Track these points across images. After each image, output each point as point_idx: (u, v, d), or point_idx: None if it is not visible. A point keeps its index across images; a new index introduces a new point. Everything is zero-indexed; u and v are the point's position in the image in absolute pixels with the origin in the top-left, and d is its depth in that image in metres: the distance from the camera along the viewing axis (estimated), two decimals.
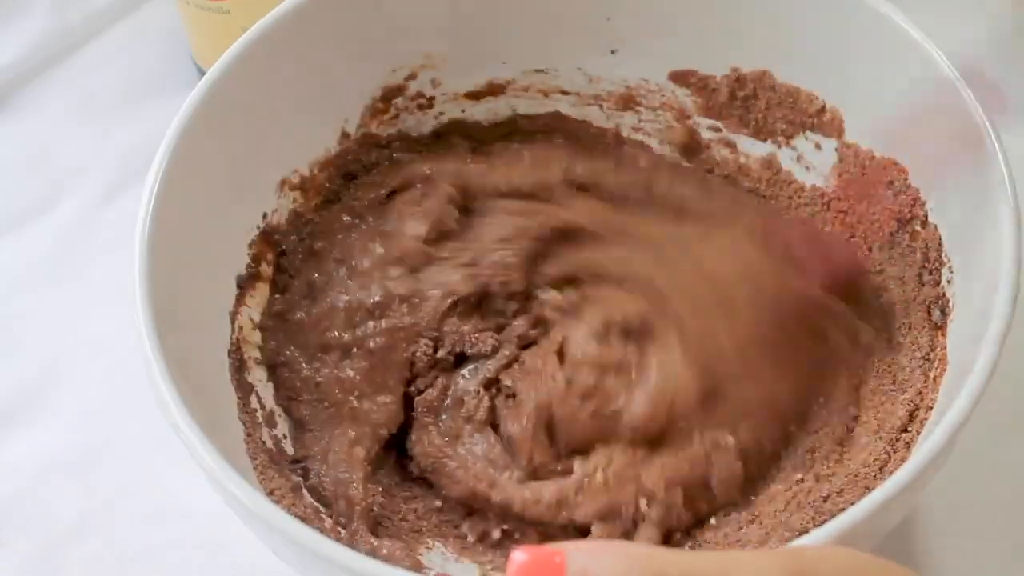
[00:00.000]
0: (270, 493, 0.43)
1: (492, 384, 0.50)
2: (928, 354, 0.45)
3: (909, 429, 0.44)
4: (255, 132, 0.49)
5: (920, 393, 0.44)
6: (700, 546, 0.45)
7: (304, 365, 0.50)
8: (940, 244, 0.46)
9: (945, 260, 0.45)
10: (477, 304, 0.51)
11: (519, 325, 0.51)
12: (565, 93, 0.56)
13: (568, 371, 0.49)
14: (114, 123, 0.66)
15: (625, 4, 0.53)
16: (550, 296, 0.51)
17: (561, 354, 0.49)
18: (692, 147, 0.56)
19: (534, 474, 0.48)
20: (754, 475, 0.47)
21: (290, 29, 0.49)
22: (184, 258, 0.45)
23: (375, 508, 0.47)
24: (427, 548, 0.47)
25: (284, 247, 0.52)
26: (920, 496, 0.41)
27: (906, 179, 0.48)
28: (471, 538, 0.48)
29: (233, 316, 0.48)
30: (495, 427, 0.49)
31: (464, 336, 0.51)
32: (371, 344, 0.50)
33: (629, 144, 0.56)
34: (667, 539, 0.45)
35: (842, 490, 0.44)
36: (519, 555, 0.29)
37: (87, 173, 0.64)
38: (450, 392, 0.50)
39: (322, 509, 0.46)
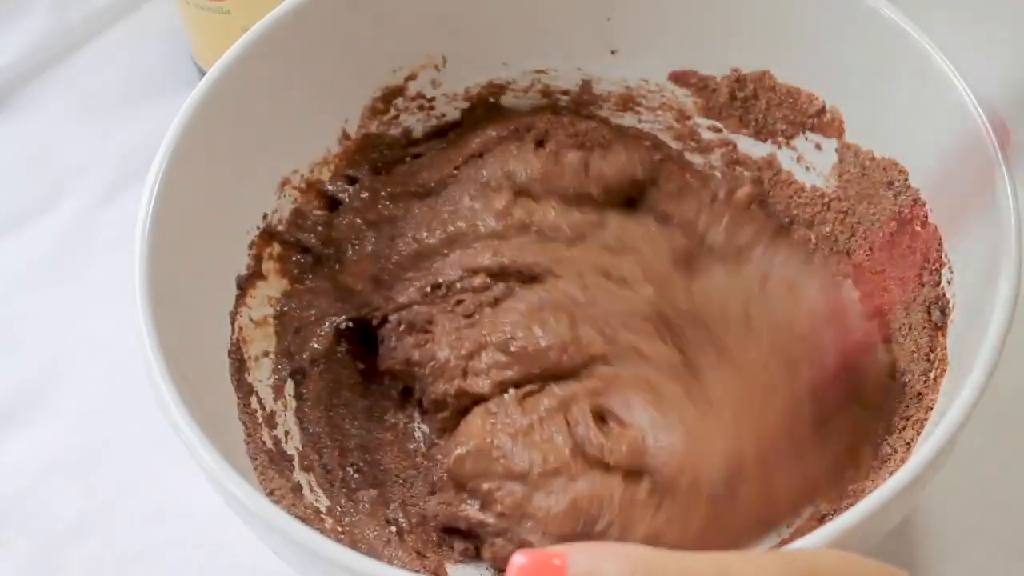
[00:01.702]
0: (270, 493, 0.43)
1: None
2: (928, 354, 0.45)
3: (909, 429, 0.44)
4: (255, 132, 0.49)
5: (920, 393, 0.44)
6: None
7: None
8: (940, 244, 0.46)
9: (945, 260, 0.45)
10: None
11: None
12: (565, 93, 0.56)
13: None
14: (114, 123, 0.66)
15: (625, 4, 0.53)
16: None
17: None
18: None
19: None
20: None
21: (290, 29, 0.49)
22: (184, 258, 0.45)
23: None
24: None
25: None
26: (920, 496, 0.41)
27: (906, 179, 0.48)
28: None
29: (233, 316, 0.48)
30: None
31: None
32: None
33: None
34: None
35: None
36: (519, 558, 0.29)
37: (87, 173, 0.64)
38: None
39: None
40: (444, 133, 0.57)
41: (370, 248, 0.54)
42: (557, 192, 0.55)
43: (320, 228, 0.53)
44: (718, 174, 0.56)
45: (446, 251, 0.53)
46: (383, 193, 0.55)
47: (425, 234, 0.54)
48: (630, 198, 0.56)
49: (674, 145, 0.56)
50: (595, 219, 0.54)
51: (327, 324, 0.52)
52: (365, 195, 0.54)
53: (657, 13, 0.53)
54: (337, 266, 0.53)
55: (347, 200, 0.54)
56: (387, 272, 0.53)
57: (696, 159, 0.56)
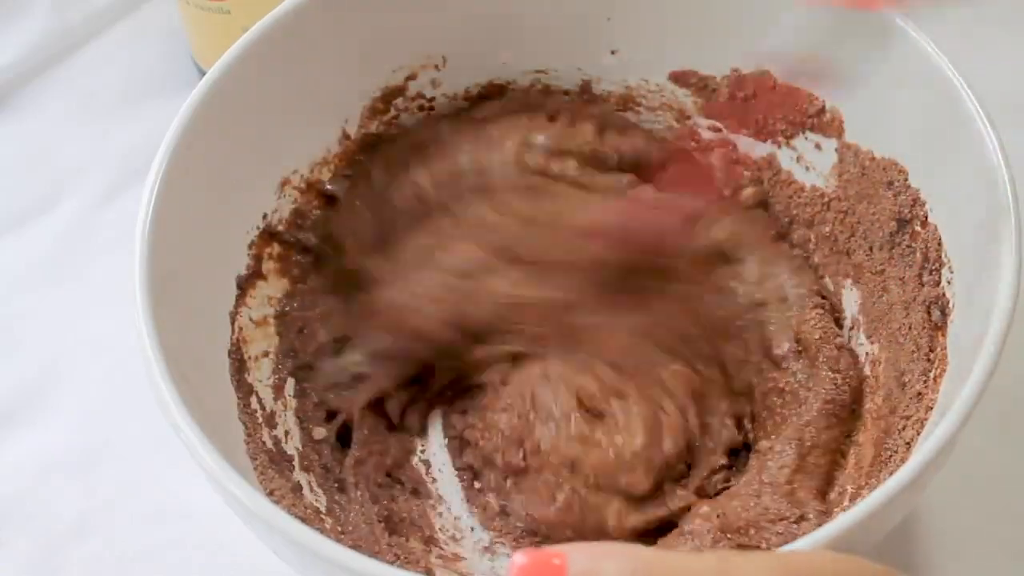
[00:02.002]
0: (270, 493, 0.43)
1: None
2: (928, 354, 0.45)
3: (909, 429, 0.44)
4: (255, 132, 0.49)
5: (920, 393, 0.44)
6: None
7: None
8: (940, 244, 0.46)
9: (945, 260, 0.45)
10: None
11: None
12: (565, 93, 0.56)
13: None
14: (114, 123, 0.66)
15: (625, 4, 0.53)
16: None
17: None
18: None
19: None
20: None
21: (290, 29, 0.49)
22: (184, 258, 0.45)
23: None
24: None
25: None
26: (920, 496, 0.41)
27: (906, 179, 0.48)
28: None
29: (233, 316, 0.48)
30: None
31: None
32: None
33: None
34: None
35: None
36: (519, 557, 0.29)
37: (87, 173, 0.64)
38: None
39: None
40: None
41: (369, 219, 0.53)
42: (574, 153, 0.54)
43: (319, 226, 0.53)
44: (719, 174, 0.56)
45: (451, 203, 0.53)
46: (377, 168, 0.55)
47: (428, 182, 0.53)
48: None
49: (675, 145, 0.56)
50: (621, 180, 0.54)
51: (330, 325, 0.52)
52: (360, 183, 0.54)
53: (657, 13, 0.53)
54: (340, 257, 0.53)
55: (345, 191, 0.54)
56: (390, 235, 0.53)
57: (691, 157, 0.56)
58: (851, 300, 0.51)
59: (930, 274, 0.46)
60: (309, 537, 0.36)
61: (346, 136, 0.54)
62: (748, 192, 0.55)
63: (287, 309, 0.51)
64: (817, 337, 0.50)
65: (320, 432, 0.50)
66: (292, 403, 0.50)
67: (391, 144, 0.55)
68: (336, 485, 0.49)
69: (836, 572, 0.30)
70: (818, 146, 0.52)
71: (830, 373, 0.49)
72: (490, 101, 0.56)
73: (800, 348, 0.50)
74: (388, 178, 0.54)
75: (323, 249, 0.53)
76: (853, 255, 0.51)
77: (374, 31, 0.52)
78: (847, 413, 0.48)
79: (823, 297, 0.52)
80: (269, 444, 0.47)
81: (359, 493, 0.49)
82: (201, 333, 0.46)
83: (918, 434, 0.43)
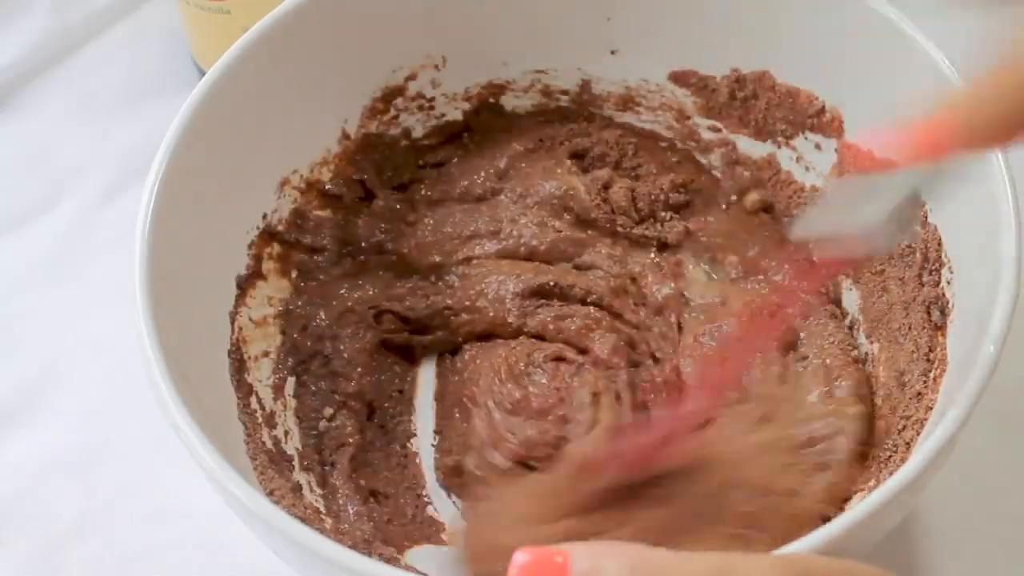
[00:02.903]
0: (270, 493, 0.43)
1: None
2: (928, 354, 0.45)
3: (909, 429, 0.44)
4: (255, 132, 0.49)
5: (920, 393, 0.44)
6: None
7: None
8: (940, 244, 0.46)
9: (945, 260, 0.45)
10: None
11: None
12: (565, 93, 0.56)
13: None
14: (114, 123, 0.66)
15: (625, 4, 0.53)
16: None
17: None
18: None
19: None
20: None
21: (290, 29, 0.49)
22: (184, 258, 0.45)
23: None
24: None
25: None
26: (920, 496, 0.41)
27: None
28: None
29: (233, 316, 0.49)
30: None
31: None
32: None
33: None
34: None
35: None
36: (521, 556, 0.29)
37: (87, 173, 0.64)
38: None
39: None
40: (456, 136, 0.57)
41: (424, 236, 0.54)
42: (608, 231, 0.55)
43: (328, 229, 0.53)
44: (718, 175, 0.56)
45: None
46: (418, 196, 0.55)
47: (503, 220, 0.55)
48: None
49: (679, 146, 0.56)
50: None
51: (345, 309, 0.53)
52: (397, 204, 0.55)
53: (657, 13, 0.53)
54: (383, 254, 0.54)
55: (379, 203, 0.54)
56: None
57: (697, 159, 0.56)
58: (851, 300, 0.51)
59: (930, 274, 0.46)
60: (309, 537, 0.36)
61: (346, 136, 0.54)
62: (752, 198, 0.55)
63: (291, 308, 0.51)
64: (839, 363, 0.49)
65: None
66: (292, 403, 0.50)
67: (435, 184, 0.56)
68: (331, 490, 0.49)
69: (836, 575, 0.30)
70: (818, 146, 0.52)
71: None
72: (496, 130, 0.57)
73: (826, 390, 0.49)
74: (444, 219, 0.55)
75: (340, 251, 0.54)
76: None
77: (374, 31, 0.52)
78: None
79: (830, 300, 0.52)
80: (269, 444, 0.47)
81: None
82: (201, 333, 0.46)
83: (918, 434, 0.43)
